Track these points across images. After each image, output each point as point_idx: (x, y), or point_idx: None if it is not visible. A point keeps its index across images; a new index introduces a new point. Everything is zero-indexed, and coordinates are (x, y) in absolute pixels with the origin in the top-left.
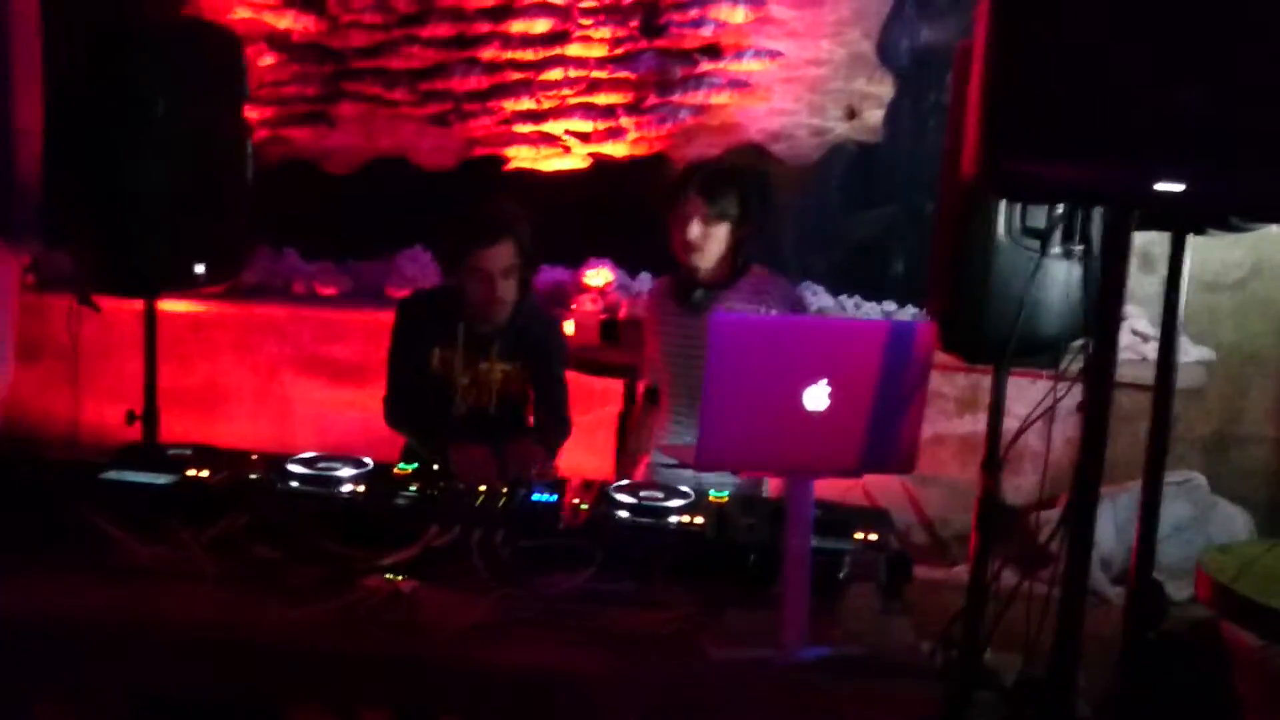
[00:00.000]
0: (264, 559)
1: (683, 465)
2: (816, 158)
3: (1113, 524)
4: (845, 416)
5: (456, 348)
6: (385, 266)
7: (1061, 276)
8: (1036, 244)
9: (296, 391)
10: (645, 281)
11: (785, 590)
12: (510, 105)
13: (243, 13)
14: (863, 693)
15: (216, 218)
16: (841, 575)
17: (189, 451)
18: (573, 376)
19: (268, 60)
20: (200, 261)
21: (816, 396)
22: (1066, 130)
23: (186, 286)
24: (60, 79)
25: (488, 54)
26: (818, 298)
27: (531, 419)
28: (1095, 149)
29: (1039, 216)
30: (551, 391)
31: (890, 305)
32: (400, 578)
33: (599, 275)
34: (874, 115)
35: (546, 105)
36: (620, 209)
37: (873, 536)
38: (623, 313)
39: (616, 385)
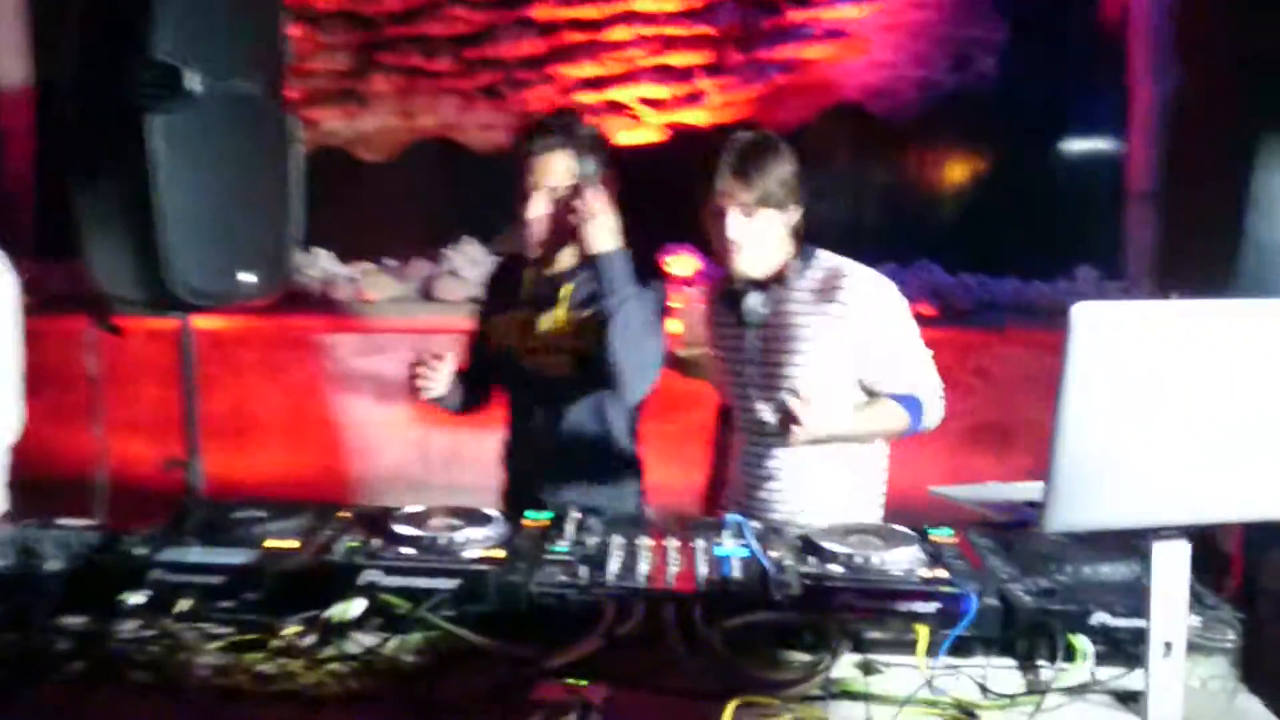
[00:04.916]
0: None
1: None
2: (923, 115)
3: None
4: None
5: (517, 309)
6: (433, 265)
7: None
8: None
9: (338, 414)
10: None
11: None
12: (571, 72)
13: None
14: None
15: (263, 216)
16: None
17: (261, 512)
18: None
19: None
20: (247, 270)
21: (1221, 414)
22: None
23: (232, 300)
24: (56, 55)
25: (542, 13)
26: (933, 275)
27: None
28: None
29: None
30: None
31: (1016, 282)
32: (584, 683)
33: (683, 263)
34: (986, 63)
35: (613, 70)
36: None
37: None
38: None
39: (703, 387)
